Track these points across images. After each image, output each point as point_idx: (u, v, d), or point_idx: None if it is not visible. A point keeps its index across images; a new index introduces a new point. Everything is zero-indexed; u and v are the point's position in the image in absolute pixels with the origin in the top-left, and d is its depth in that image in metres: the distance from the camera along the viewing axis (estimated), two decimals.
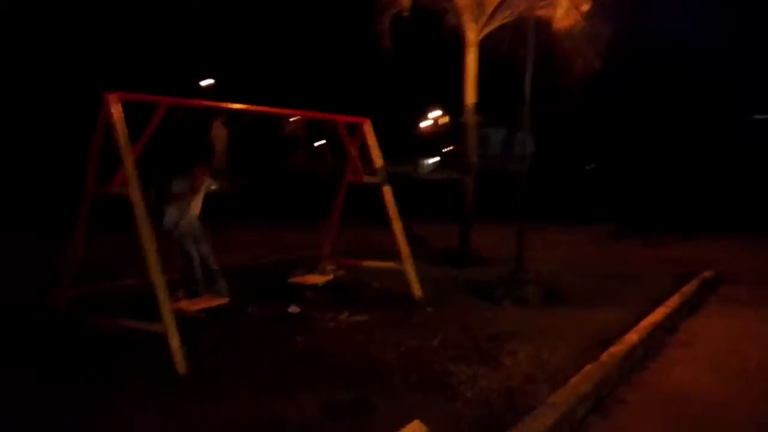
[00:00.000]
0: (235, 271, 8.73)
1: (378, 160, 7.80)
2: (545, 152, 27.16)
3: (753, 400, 5.03)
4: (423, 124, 40.24)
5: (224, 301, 6.40)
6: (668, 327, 6.84)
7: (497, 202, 12.64)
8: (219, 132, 7.81)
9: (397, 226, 7.74)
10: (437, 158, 46.86)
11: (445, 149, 41.97)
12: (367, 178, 7.86)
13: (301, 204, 18.90)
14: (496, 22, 10.22)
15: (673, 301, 7.68)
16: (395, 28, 10.35)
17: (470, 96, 10.20)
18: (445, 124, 39.02)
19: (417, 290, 7.68)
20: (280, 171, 22.23)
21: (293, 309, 7.27)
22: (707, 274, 9.48)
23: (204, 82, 25.43)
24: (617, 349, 5.71)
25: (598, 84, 11.69)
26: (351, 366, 5.28)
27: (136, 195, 5.19)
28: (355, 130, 7.89)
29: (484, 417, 4.29)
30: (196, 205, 7.27)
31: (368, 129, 7.85)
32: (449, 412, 4.36)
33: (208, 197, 7.57)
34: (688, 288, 8.44)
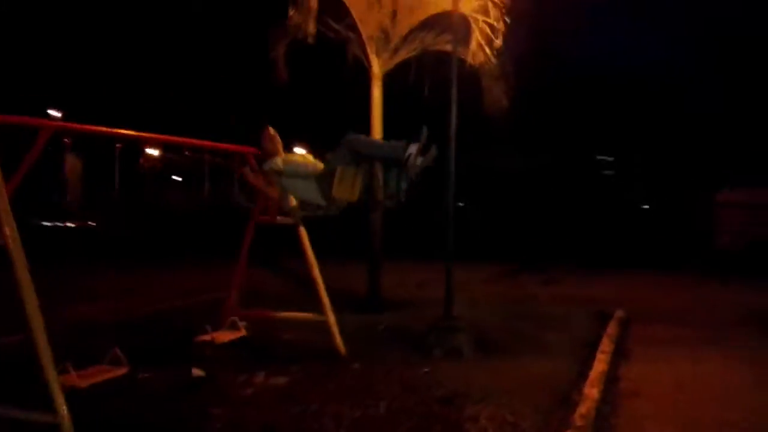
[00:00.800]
0: (105, 327, 7.44)
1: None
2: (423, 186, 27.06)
3: None
4: None
5: (123, 371, 5.19)
6: (611, 377, 6.42)
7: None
8: (73, 165, 6.58)
9: (316, 272, 6.87)
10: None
11: None
12: (280, 219, 6.92)
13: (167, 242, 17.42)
14: (401, 56, 9.70)
15: (606, 346, 7.35)
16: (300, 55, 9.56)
17: (376, 130, 9.55)
18: None
19: (340, 344, 6.80)
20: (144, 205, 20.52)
21: (197, 372, 6.15)
22: (620, 313, 9.33)
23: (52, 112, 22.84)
24: (585, 408, 5.17)
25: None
26: None
27: (12, 235, 3.98)
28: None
29: None
30: None
31: (252, 162, 6.93)
32: None
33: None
34: (612, 330, 8.18)
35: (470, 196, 28.88)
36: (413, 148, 5.25)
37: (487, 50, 9.11)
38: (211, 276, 7.24)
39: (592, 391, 5.63)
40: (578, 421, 4.87)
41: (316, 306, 7.16)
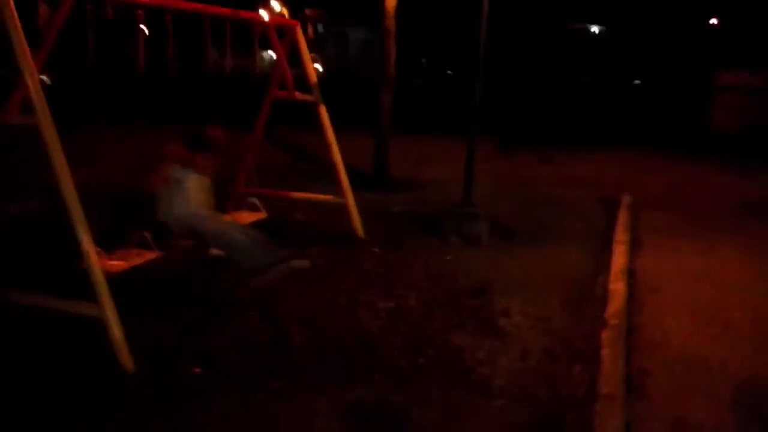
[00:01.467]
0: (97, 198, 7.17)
1: (312, 74, 6.52)
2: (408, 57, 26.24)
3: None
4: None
5: (154, 254, 5.02)
6: (629, 269, 6.45)
7: (362, 109, 11.58)
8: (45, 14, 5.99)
9: (335, 153, 6.62)
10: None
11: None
12: (299, 95, 6.56)
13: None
14: None
15: (621, 236, 7.36)
16: None
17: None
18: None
19: (359, 227, 6.71)
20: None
21: (216, 252, 6.02)
22: (627, 200, 9.32)
23: None
24: (615, 306, 5.20)
25: None
26: (341, 340, 4.34)
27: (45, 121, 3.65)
28: (284, 35, 6.49)
29: (546, 417, 3.57)
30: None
31: (300, 35, 6.49)
32: (499, 415, 3.58)
33: None
34: (624, 219, 8.18)
35: (458, 66, 28.16)
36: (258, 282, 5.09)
37: None
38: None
39: (617, 286, 5.66)
40: (611, 320, 4.90)
41: (319, 182, 6.96)
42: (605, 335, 4.62)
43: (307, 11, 44.20)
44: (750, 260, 7.06)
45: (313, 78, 6.54)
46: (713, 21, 36.22)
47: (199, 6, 5.36)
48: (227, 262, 5.76)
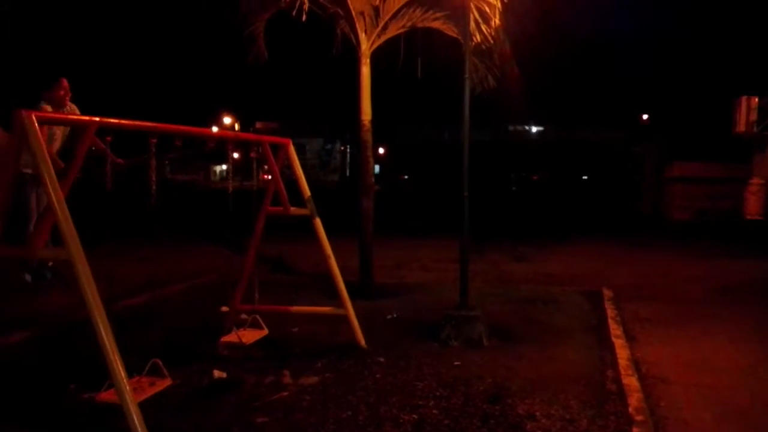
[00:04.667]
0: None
1: (305, 188, 6.60)
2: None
3: None
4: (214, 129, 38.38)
5: (167, 383, 4.83)
6: (634, 360, 6.50)
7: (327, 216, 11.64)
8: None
9: (333, 264, 6.63)
10: (225, 165, 45.23)
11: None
12: (294, 210, 6.62)
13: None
14: (390, 33, 9.40)
15: (615, 329, 7.45)
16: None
17: (366, 112, 9.26)
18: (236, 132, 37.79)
19: (361, 338, 6.62)
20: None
21: (218, 374, 5.85)
22: (608, 293, 9.50)
23: None
24: (635, 400, 5.19)
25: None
26: None
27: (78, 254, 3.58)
28: (277, 152, 6.61)
29: None
30: None
31: (291, 151, 6.63)
32: None
33: None
34: (611, 312, 8.30)
35: (415, 170, 28.96)
36: None
37: (484, 29, 8.92)
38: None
39: (629, 380, 5.68)
40: (636, 416, 4.89)
41: (305, 293, 6.78)
42: None
43: (258, 124, 45.18)
44: (743, 345, 7.21)
45: (307, 192, 6.62)
46: (644, 117, 38.54)
47: (203, 130, 5.46)
48: (233, 384, 5.62)
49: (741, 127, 14.94)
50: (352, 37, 9.20)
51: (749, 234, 14.70)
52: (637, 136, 28.87)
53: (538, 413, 5.01)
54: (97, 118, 4.07)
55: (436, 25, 9.48)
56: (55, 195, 3.59)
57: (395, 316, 8.00)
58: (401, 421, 4.83)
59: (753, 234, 14.53)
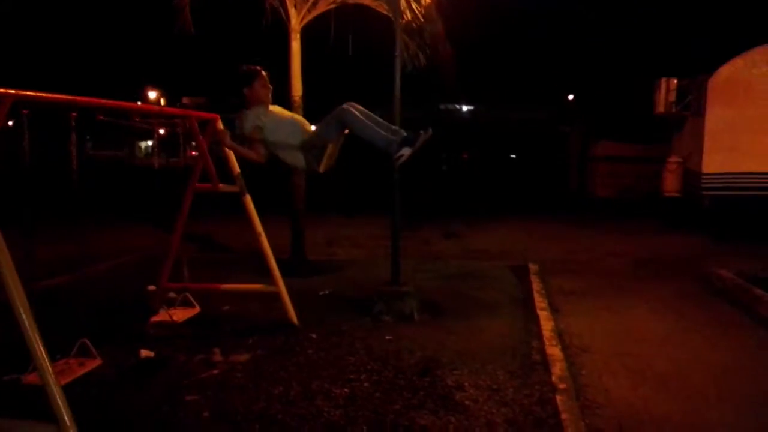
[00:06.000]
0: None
1: (235, 165, 6.50)
2: None
3: (698, 407, 5.04)
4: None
5: (96, 363, 4.71)
6: (558, 331, 6.74)
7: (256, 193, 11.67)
8: None
9: (264, 242, 6.58)
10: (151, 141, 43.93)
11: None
12: (222, 187, 6.51)
13: None
14: (320, 8, 9.31)
15: (541, 302, 7.69)
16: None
17: (296, 88, 9.18)
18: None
19: (293, 315, 6.61)
20: None
21: (145, 353, 5.75)
22: (534, 268, 9.78)
23: None
24: (558, 369, 5.40)
25: None
26: None
27: None
28: (205, 128, 6.48)
29: None
30: None
31: (220, 126, 6.50)
32: None
33: None
34: (537, 286, 8.56)
35: (347, 147, 28.79)
36: (406, 152, 5.04)
37: (415, 7, 8.94)
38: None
39: (553, 350, 5.88)
40: (559, 384, 5.08)
41: (235, 271, 6.61)
42: (560, 400, 4.77)
43: (185, 99, 43.92)
44: (661, 316, 7.57)
45: (236, 168, 6.52)
46: (570, 97, 39.45)
47: (125, 104, 5.29)
48: (162, 362, 5.54)
49: (661, 107, 15.50)
50: (282, 11, 9.08)
51: (667, 210, 15.36)
52: (563, 115, 29.66)
53: (466, 384, 5.14)
54: (13, 90, 3.88)
55: (366, 1, 9.44)
56: None
57: (327, 292, 8.02)
58: (333, 395, 4.88)
59: (670, 210, 15.19)
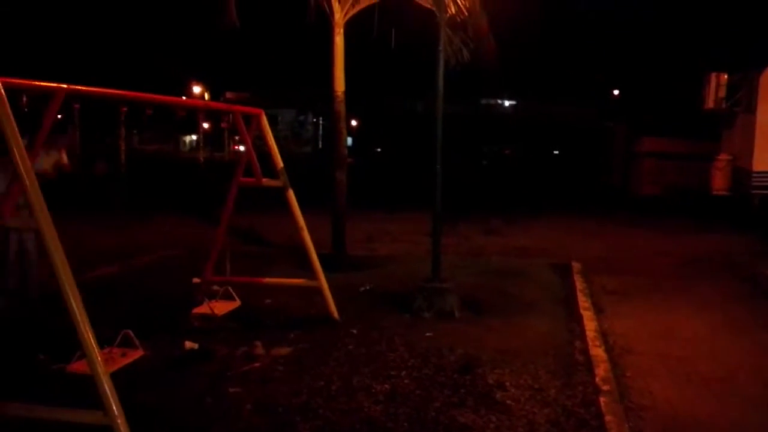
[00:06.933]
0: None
1: (278, 159, 6.55)
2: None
3: (744, 411, 4.91)
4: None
5: (138, 354, 4.81)
6: (601, 333, 6.64)
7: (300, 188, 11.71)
8: None
9: (306, 236, 6.62)
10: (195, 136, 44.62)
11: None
12: (266, 181, 6.58)
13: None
14: (363, 3, 9.30)
15: (584, 302, 7.59)
16: None
17: (339, 83, 9.20)
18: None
19: (334, 309, 6.65)
20: None
21: (189, 345, 5.84)
22: (578, 266, 9.64)
23: None
24: (602, 370, 5.32)
25: None
26: (349, 429, 4.24)
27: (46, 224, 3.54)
28: (249, 123, 6.55)
29: None
30: None
31: (264, 121, 6.57)
32: None
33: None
34: (581, 285, 8.44)
35: (388, 142, 28.87)
36: None
37: (459, 1, 8.86)
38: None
39: (597, 351, 5.80)
40: (603, 386, 5.00)
41: (276, 265, 6.63)
42: (603, 401, 4.70)
43: (228, 94, 44.55)
44: (705, 316, 7.42)
45: (280, 163, 6.58)
46: (615, 92, 38.77)
47: (172, 99, 5.38)
48: (206, 354, 5.63)
49: (710, 103, 15.13)
50: (326, 5, 9.10)
51: (715, 209, 15.00)
52: (608, 111, 29.16)
53: (507, 383, 5.10)
54: (65, 85, 3.98)
55: None
56: (23, 164, 3.53)
57: (368, 288, 8.04)
58: (374, 390, 4.89)
59: (718, 209, 14.83)
